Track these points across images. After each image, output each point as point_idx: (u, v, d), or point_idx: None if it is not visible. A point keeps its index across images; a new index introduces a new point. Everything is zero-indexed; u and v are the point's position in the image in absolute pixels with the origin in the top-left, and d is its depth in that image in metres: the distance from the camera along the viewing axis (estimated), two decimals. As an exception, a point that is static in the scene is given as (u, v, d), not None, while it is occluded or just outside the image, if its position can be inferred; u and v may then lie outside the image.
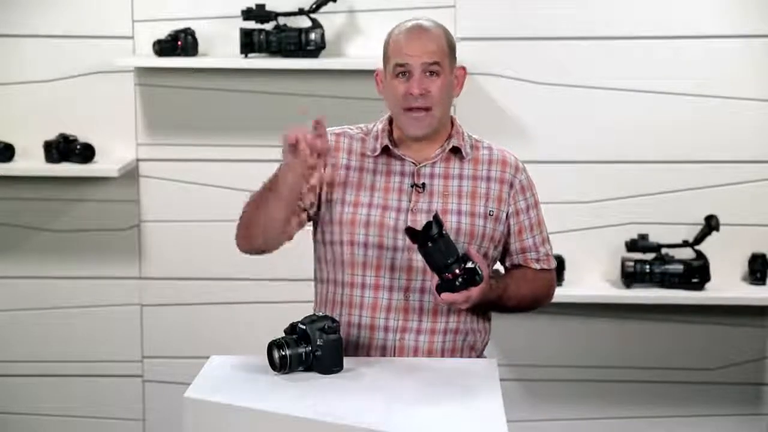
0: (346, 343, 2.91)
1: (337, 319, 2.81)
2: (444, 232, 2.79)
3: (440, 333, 2.99)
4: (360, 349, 2.97)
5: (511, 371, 4.63)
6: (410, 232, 2.82)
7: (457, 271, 2.80)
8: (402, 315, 2.97)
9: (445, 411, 2.55)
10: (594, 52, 4.49)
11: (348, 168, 3.04)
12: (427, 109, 2.96)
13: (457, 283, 2.80)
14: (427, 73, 2.95)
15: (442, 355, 2.99)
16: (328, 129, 3.07)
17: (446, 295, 2.81)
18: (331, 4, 4.43)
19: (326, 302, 3.05)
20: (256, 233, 2.98)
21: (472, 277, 2.81)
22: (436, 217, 2.81)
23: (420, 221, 2.92)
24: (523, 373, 4.66)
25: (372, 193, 3.00)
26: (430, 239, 2.78)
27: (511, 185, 3.03)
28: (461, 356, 3.01)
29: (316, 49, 4.41)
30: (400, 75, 2.96)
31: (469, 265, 2.81)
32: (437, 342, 2.98)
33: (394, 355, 2.96)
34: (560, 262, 4.41)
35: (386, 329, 2.97)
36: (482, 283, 2.82)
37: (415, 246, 2.82)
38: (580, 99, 4.51)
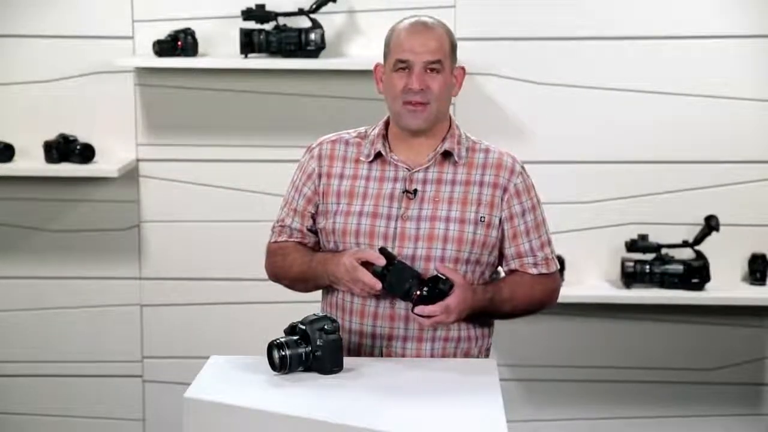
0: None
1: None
2: (395, 260, 2.85)
3: (428, 341, 2.98)
4: (351, 353, 2.98)
5: (511, 371, 4.63)
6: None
7: (418, 292, 2.85)
8: (388, 322, 2.97)
9: (445, 411, 2.55)
10: (594, 52, 4.49)
11: (341, 177, 3.04)
12: (425, 104, 2.96)
13: (424, 294, 2.84)
14: (428, 70, 2.95)
15: None
16: (323, 137, 3.09)
17: (420, 308, 2.84)
18: (331, 4, 4.43)
19: (328, 304, 3.07)
20: (285, 284, 3.13)
21: (436, 289, 2.85)
22: (382, 249, 2.87)
23: (410, 228, 2.94)
24: (523, 373, 4.66)
25: (364, 201, 3.00)
26: (384, 269, 2.85)
27: (505, 189, 3.00)
28: (454, 363, 3.02)
29: (316, 50, 4.41)
30: (401, 70, 2.96)
31: (435, 281, 2.86)
32: (425, 349, 2.98)
33: None
34: (560, 262, 4.40)
35: (373, 336, 2.98)
36: (457, 291, 2.85)
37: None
38: (580, 99, 4.51)
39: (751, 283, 4.52)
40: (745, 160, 4.52)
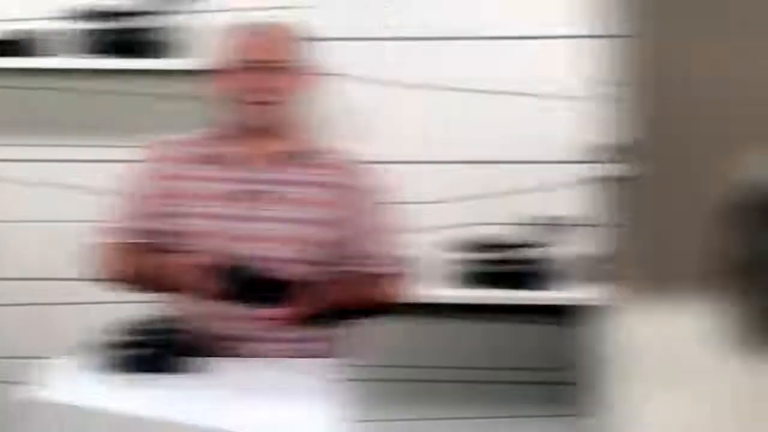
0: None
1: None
2: (239, 263, 2.85)
3: (274, 342, 2.98)
4: (197, 355, 2.94)
5: (367, 371, 4.59)
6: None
7: (262, 294, 2.85)
8: (234, 324, 2.96)
9: (284, 411, 2.58)
10: (450, 52, 4.47)
11: (184, 178, 3.02)
12: (268, 104, 2.96)
13: (267, 296, 2.86)
14: (271, 69, 2.95)
15: None
16: (165, 138, 3.08)
17: (264, 311, 2.86)
18: (176, 3, 4.37)
19: (173, 307, 3.05)
20: (128, 287, 3.06)
21: (280, 291, 2.85)
22: (225, 252, 2.88)
23: (253, 229, 2.95)
24: (379, 373, 4.61)
25: (206, 203, 2.99)
26: (228, 272, 2.85)
27: (349, 189, 3.03)
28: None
29: (161, 49, 4.35)
30: (243, 70, 2.96)
31: (277, 283, 2.86)
32: (272, 351, 2.97)
33: None
34: (404, 262, 4.40)
35: (220, 338, 2.96)
36: (301, 293, 2.85)
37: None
38: (436, 99, 4.45)
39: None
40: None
